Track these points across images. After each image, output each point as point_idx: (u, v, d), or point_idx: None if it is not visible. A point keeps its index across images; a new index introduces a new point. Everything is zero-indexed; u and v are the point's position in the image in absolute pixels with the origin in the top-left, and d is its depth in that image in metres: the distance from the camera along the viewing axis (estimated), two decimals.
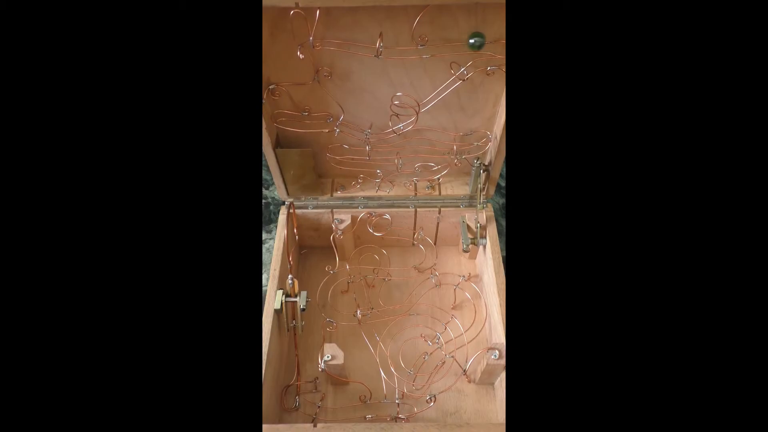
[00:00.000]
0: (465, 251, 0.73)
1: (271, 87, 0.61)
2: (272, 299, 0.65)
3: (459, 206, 0.75)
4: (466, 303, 0.77)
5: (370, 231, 0.77)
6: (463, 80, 0.59)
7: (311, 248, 0.82)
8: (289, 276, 0.66)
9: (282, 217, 0.73)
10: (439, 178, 0.75)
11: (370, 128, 0.66)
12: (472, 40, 0.55)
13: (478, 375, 0.66)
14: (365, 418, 0.66)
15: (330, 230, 0.76)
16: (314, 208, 0.75)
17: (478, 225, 0.73)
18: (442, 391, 0.67)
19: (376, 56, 0.55)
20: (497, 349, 0.62)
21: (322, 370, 0.64)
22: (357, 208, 0.75)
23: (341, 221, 0.75)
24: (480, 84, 0.61)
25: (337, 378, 0.67)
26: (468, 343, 0.71)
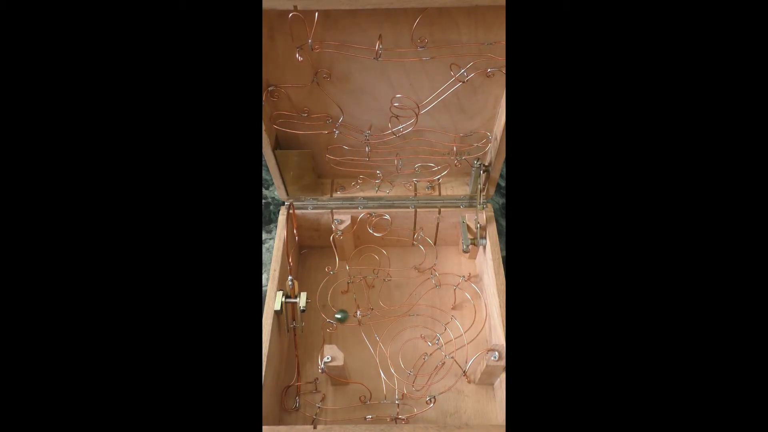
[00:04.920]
0: (465, 251, 0.73)
1: (270, 89, 0.61)
2: (272, 300, 0.65)
3: (459, 206, 0.75)
4: (466, 303, 0.77)
5: (370, 231, 0.77)
6: (463, 82, 0.59)
7: (311, 248, 0.82)
8: (289, 277, 0.66)
9: (282, 217, 0.73)
10: (439, 179, 0.75)
11: (370, 129, 0.67)
12: (338, 315, 0.66)
13: (478, 376, 0.66)
14: (365, 418, 0.66)
15: (330, 230, 0.76)
16: (314, 208, 0.75)
17: (478, 225, 0.73)
18: (441, 392, 0.68)
19: (376, 59, 0.55)
20: (497, 350, 0.62)
21: (322, 371, 0.64)
22: (357, 208, 0.75)
23: (341, 221, 0.75)
24: (480, 85, 0.61)
25: (337, 379, 0.67)
26: (468, 343, 0.72)
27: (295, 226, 0.75)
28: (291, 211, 0.73)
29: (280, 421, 0.66)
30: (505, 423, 0.60)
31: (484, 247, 0.73)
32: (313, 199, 0.75)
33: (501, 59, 0.57)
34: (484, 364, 0.62)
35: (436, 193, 0.75)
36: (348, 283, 0.79)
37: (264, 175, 0.90)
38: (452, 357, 0.69)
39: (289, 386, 0.68)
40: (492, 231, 0.72)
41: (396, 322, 0.75)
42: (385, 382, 0.69)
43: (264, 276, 0.78)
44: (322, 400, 0.68)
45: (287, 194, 0.74)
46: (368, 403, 0.67)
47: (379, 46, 0.54)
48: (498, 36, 0.55)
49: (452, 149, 0.69)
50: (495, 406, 0.68)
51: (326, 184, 0.76)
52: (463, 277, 0.78)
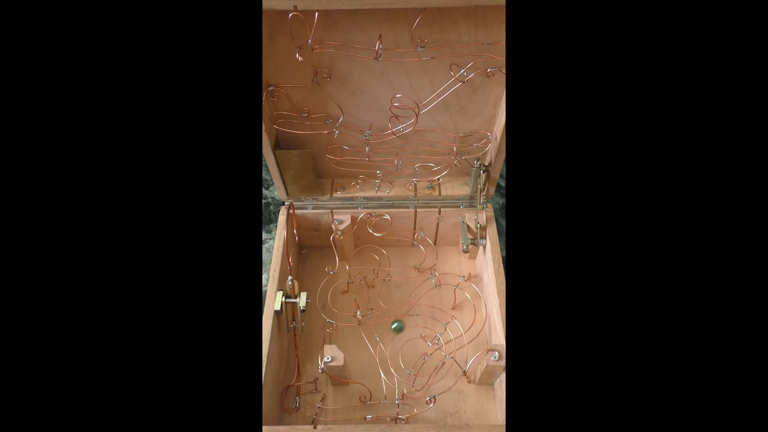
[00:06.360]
0: (465, 251, 0.73)
1: (270, 89, 0.61)
2: (272, 300, 0.65)
3: (459, 206, 0.75)
4: (466, 303, 0.77)
5: (370, 231, 0.77)
6: (463, 82, 0.59)
7: (311, 248, 0.82)
8: (289, 277, 0.67)
9: (282, 217, 0.73)
10: (439, 179, 0.75)
11: (370, 129, 0.67)
12: (394, 325, 0.63)
13: (478, 376, 0.66)
14: (365, 418, 0.66)
15: (330, 230, 0.76)
16: (314, 208, 0.75)
17: (478, 225, 0.73)
18: (441, 392, 0.68)
19: (376, 59, 0.55)
20: (497, 350, 0.62)
21: (322, 371, 0.64)
22: (357, 208, 0.75)
23: (341, 221, 0.75)
24: (480, 85, 0.61)
25: (337, 379, 0.67)
26: (468, 343, 0.72)
27: (295, 226, 0.75)
28: (291, 211, 0.73)
29: (280, 421, 0.66)
30: (505, 423, 0.60)
31: (484, 247, 0.73)
32: (313, 199, 0.75)
33: (501, 59, 0.57)
34: (484, 364, 0.62)
35: (436, 193, 0.75)
36: (348, 283, 0.79)
37: (264, 175, 0.90)
38: (452, 357, 0.69)
39: (289, 386, 0.68)
40: (492, 231, 0.72)
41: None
42: (385, 382, 0.69)
43: (264, 276, 0.78)
44: (322, 400, 0.68)
45: (287, 194, 0.74)
46: (368, 403, 0.67)
47: (379, 46, 0.54)
48: (498, 36, 0.55)
49: (452, 149, 0.69)
50: (495, 406, 0.68)
51: (326, 184, 0.76)
52: (463, 277, 0.78)
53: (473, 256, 0.81)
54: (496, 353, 0.61)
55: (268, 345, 0.61)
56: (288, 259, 0.70)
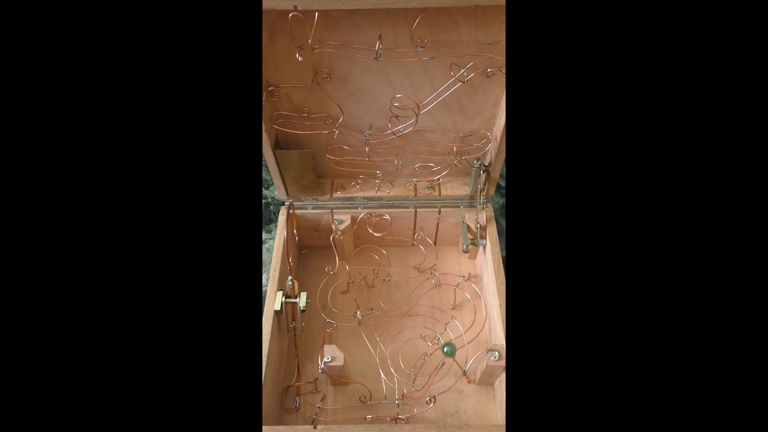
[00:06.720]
0: (465, 251, 0.73)
1: (270, 89, 0.61)
2: (272, 300, 0.65)
3: (459, 206, 0.76)
4: (466, 303, 0.77)
5: (370, 231, 0.77)
6: (463, 82, 0.59)
7: (311, 248, 0.82)
8: (289, 277, 0.67)
9: (282, 217, 0.73)
10: (439, 179, 0.75)
11: (370, 129, 0.67)
12: (445, 349, 0.62)
13: (478, 375, 0.66)
14: (365, 418, 0.66)
15: (330, 230, 0.76)
16: (314, 208, 0.75)
17: (478, 225, 0.73)
18: (441, 392, 0.68)
19: (376, 59, 0.55)
20: (497, 350, 0.62)
21: (322, 371, 0.64)
22: (357, 208, 0.75)
23: (341, 222, 0.75)
24: (480, 85, 0.61)
25: (337, 379, 0.67)
26: (468, 343, 0.72)
27: (295, 226, 0.75)
28: (291, 211, 0.73)
29: (280, 421, 0.66)
30: (505, 423, 0.60)
31: (484, 247, 0.73)
32: (313, 199, 0.75)
33: (501, 59, 0.57)
34: (484, 364, 0.62)
35: (436, 193, 0.75)
36: (348, 283, 0.79)
37: (264, 175, 0.90)
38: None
39: (289, 386, 0.68)
40: (492, 231, 0.72)
41: (396, 322, 0.75)
42: (385, 382, 0.69)
43: (264, 276, 0.78)
44: (322, 400, 0.68)
45: (287, 194, 0.74)
46: (368, 403, 0.67)
47: (379, 46, 0.54)
48: (498, 36, 0.55)
49: (452, 149, 0.69)
50: (495, 406, 0.68)
51: (326, 184, 0.76)
52: (463, 277, 0.78)
53: (473, 256, 0.81)
54: (496, 353, 0.61)
55: (268, 345, 0.61)
56: (288, 259, 0.70)
